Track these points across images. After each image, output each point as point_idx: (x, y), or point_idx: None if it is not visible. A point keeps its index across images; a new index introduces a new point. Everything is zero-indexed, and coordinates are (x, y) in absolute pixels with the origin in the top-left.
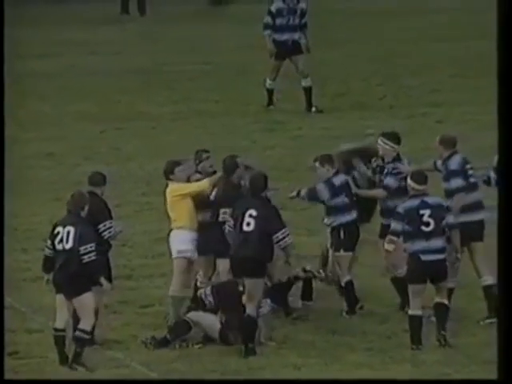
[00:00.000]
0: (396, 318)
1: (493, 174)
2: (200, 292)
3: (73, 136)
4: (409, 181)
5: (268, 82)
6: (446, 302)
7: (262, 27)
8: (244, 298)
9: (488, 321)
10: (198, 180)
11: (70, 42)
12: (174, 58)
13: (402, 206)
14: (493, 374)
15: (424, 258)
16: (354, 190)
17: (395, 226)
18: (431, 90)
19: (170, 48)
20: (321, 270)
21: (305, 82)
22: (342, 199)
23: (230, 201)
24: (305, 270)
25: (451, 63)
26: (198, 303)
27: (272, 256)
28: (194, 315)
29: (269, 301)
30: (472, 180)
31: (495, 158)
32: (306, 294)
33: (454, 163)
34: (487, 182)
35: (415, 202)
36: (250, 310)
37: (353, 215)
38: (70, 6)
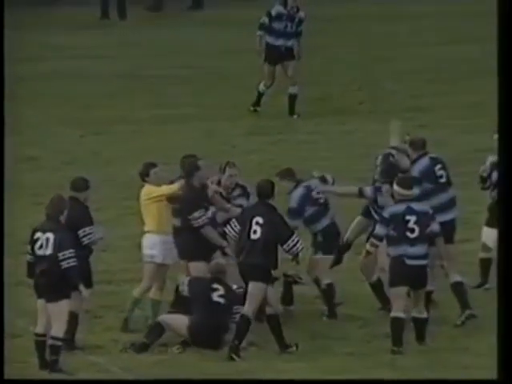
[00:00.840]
0: (376, 322)
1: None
2: (180, 280)
3: (54, 140)
4: (395, 186)
5: (261, 86)
6: (424, 315)
7: (243, 32)
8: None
9: (462, 317)
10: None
11: (50, 47)
12: (154, 62)
13: (388, 210)
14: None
15: (409, 262)
16: (327, 189)
17: (379, 230)
18: (411, 95)
19: (150, 52)
20: (301, 275)
21: (292, 89)
22: (313, 209)
23: (191, 204)
24: (285, 275)
25: (431, 68)
26: (176, 306)
27: (277, 263)
28: (164, 317)
29: None
30: (442, 180)
31: (488, 160)
32: (287, 299)
33: (419, 167)
34: (483, 182)
35: (401, 207)
36: (247, 311)
37: (329, 219)
38: (49, 11)
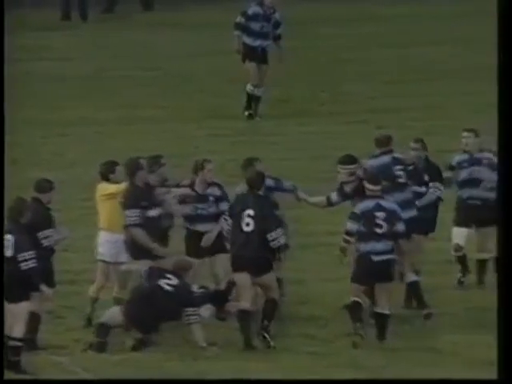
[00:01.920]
0: (339, 322)
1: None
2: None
3: (17, 141)
4: (364, 183)
5: (249, 87)
6: (386, 311)
7: (207, 34)
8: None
9: (425, 312)
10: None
11: (12, 48)
12: (117, 63)
13: (359, 206)
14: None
15: (375, 258)
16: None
17: (351, 226)
18: (372, 97)
19: (113, 54)
20: None
21: (257, 91)
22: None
23: (127, 202)
24: None
25: (392, 70)
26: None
27: (275, 253)
28: (103, 315)
29: (209, 305)
30: (400, 180)
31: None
32: None
33: (377, 163)
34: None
35: (371, 203)
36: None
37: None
38: (10, 12)
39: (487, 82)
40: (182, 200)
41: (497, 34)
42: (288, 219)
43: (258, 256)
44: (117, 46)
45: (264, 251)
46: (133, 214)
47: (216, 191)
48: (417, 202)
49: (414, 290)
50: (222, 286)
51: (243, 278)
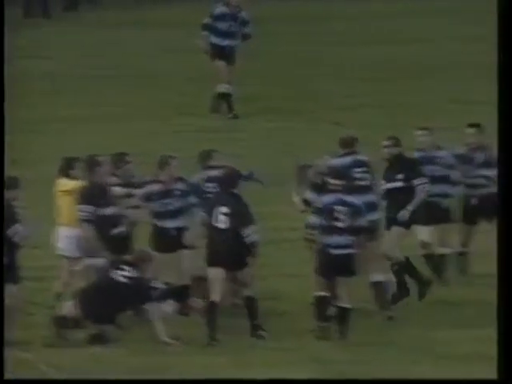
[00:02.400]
0: (301, 317)
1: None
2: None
3: None
4: (328, 179)
5: (224, 87)
6: (347, 305)
7: (172, 32)
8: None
9: (386, 314)
10: (114, 185)
11: None
12: (82, 61)
13: (321, 201)
14: (394, 373)
15: (333, 252)
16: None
17: (313, 219)
18: (336, 94)
19: (77, 52)
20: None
21: (228, 89)
22: None
23: (89, 199)
24: None
25: (355, 68)
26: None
27: (247, 250)
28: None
29: (172, 301)
30: (361, 183)
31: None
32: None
33: (337, 163)
34: None
35: (333, 197)
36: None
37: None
38: None
39: (451, 79)
40: (149, 197)
41: (497, 33)
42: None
43: (232, 252)
44: (81, 44)
45: (238, 247)
46: (85, 210)
47: (183, 186)
48: (409, 207)
49: (376, 290)
50: (186, 282)
51: (216, 273)
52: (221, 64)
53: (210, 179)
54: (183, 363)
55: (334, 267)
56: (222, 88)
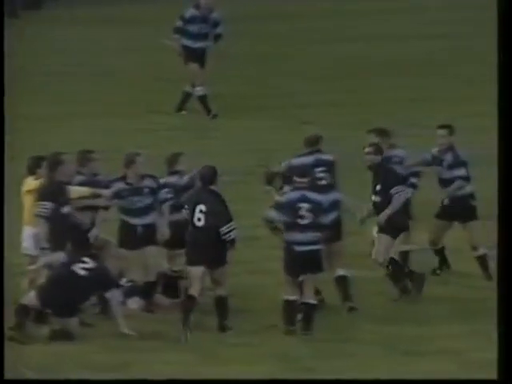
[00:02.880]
0: (266, 314)
1: None
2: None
3: None
4: (293, 177)
5: (196, 88)
6: (312, 300)
7: (135, 30)
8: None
9: (349, 305)
10: (80, 183)
11: None
12: (49, 59)
13: (284, 196)
14: (363, 367)
15: (298, 249)
16: None
17: (271, 213)
18: (298, 92)
19: (44, 50)
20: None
21: (201, 91)
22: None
23: (42, 196)
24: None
25: (317, 65)
26: None
27: (227, 246)
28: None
29: (137, 298)
30: (321, 182)
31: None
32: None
33: (297, 162)
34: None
35: (296, 194)
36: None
37: None
38: None
39: (412, 76)
40: (117, 194)
41: (497, 33)
42: None
43: (211, 250)
44: (48, 42)
45: (217, 245)
46: (43, 206)
47: (151, 183)
48: (381, 216)
49: (340, 284)
50: (152, 278)
51: (196, 271)
52: (194, 66)
53: (167, 185)
54: (147, 360)
55: (300, 264)
56: (194, 90)
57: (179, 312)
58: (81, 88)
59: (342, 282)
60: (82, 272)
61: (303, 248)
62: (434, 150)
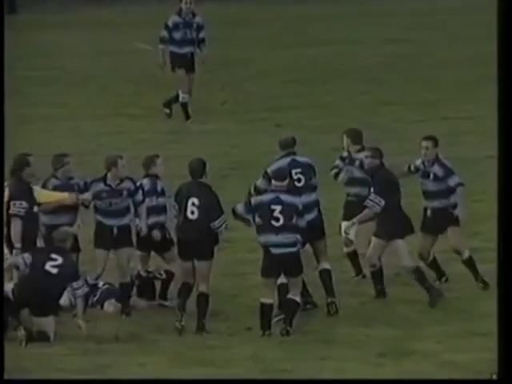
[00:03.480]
0: (237, 316)
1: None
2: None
3: None
4: (272, 180)
5: (181, 95)
6: (297, 298)
7: (109, 34)
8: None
9: (329, 300)
10: (54, 187)
11: None
12: (20, 63)
13: (256, 198)
14: (330, 373)
15: (274, 251)
16: None
17: (238, 208)
18: (269, 96)
19: (15, 53)
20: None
21: (186, 98)
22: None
23: (17, 195)
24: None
25: (289, 69)
26: None
27: (217, 239)
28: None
29: (114, 300)
30: (298, 184)
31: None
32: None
33: (274, 166)
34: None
35: (269, 196)
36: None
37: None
38: None
39: (377, 81)
40: (96, 195)
41: (496, 32)
42: None
43: (201, 243)
44: (19, 46)
45: (207, 238)
46: (18, 205)
47: (130, 185)
48: (354, 219)
49: (324, 278)
50: (127, 279)
51: (187, 266)
52: (181, 72)
53: (141, 186)
54: (118, 363)
55: (276, 266)
56: (182, 98)
57: (156, 314)
58: (53, 91)
59: (324, 275)
60: (54, 270)
61: (279, 250)
62: (418, 162)
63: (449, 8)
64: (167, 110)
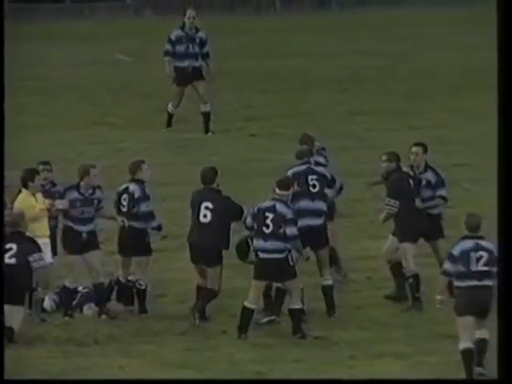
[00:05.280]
0: (216, 319)
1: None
2: None
3: None
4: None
5: (170, 107)
6: (297, 306)
7: (93, 44)
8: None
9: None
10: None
11: None
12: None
13: (258, 206)
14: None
15: (262, 255)
16: None
17: (248, 220)
18: (245, 106)
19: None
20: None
21: (204, 107)
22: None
23: None
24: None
25: (263, 79)
26: None
27: (228, 244)
28: None
29: (93, 304)
30: (314, 190)
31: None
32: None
33: (293, 171)
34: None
35: (268, 204)
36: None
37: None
38: None
39: (350, 92)
40: (70, 203)
41: (496, 38)
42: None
43: (211, 248)
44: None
45: (219, 241)
46: None
47: (100, 194)
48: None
49: (326, 294)
50: (100, 280)
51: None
52: (176, 88)
53: (124, 191)
54: (100, 365)
55: (264, 271)
56: (171, 110)
57: (135, 317)
58: (37, 100)
59: (326, 291)
60: (12, 261)
61: (266, 255)
62: (406, 168)
63: (420, 20)
64: (169, 129)
